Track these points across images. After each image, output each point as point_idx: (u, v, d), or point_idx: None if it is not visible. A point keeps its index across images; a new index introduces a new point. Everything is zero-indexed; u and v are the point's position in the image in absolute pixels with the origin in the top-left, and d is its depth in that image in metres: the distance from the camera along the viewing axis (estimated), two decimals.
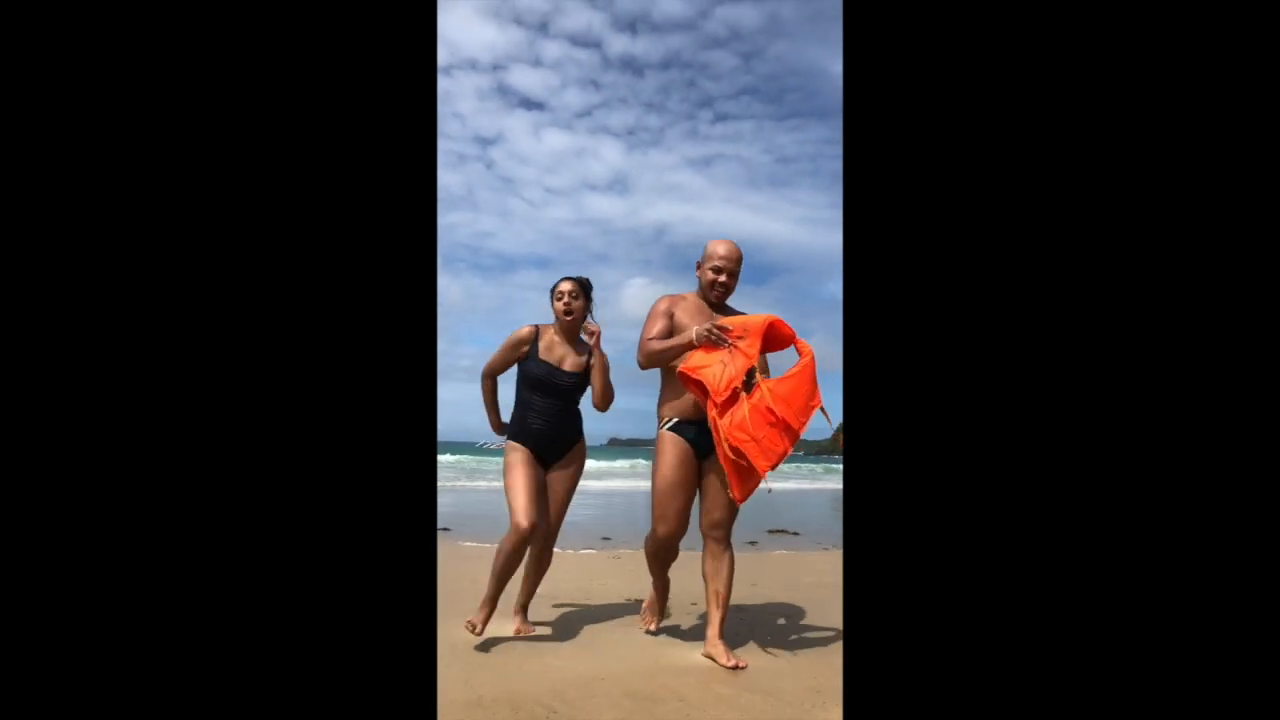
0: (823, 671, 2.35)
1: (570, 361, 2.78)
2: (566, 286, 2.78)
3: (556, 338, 2.80)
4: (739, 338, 2.41)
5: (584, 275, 2.86)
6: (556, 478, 2.83)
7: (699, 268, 2.69)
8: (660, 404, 2.67)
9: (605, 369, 2.76)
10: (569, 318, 2.77)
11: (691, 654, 2.54)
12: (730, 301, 2.73)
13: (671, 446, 2.57)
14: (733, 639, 2.62)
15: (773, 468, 2.37)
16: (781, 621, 3.06)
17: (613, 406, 2.80)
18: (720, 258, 2.63)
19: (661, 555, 2.69)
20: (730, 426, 2.36)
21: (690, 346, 2.46)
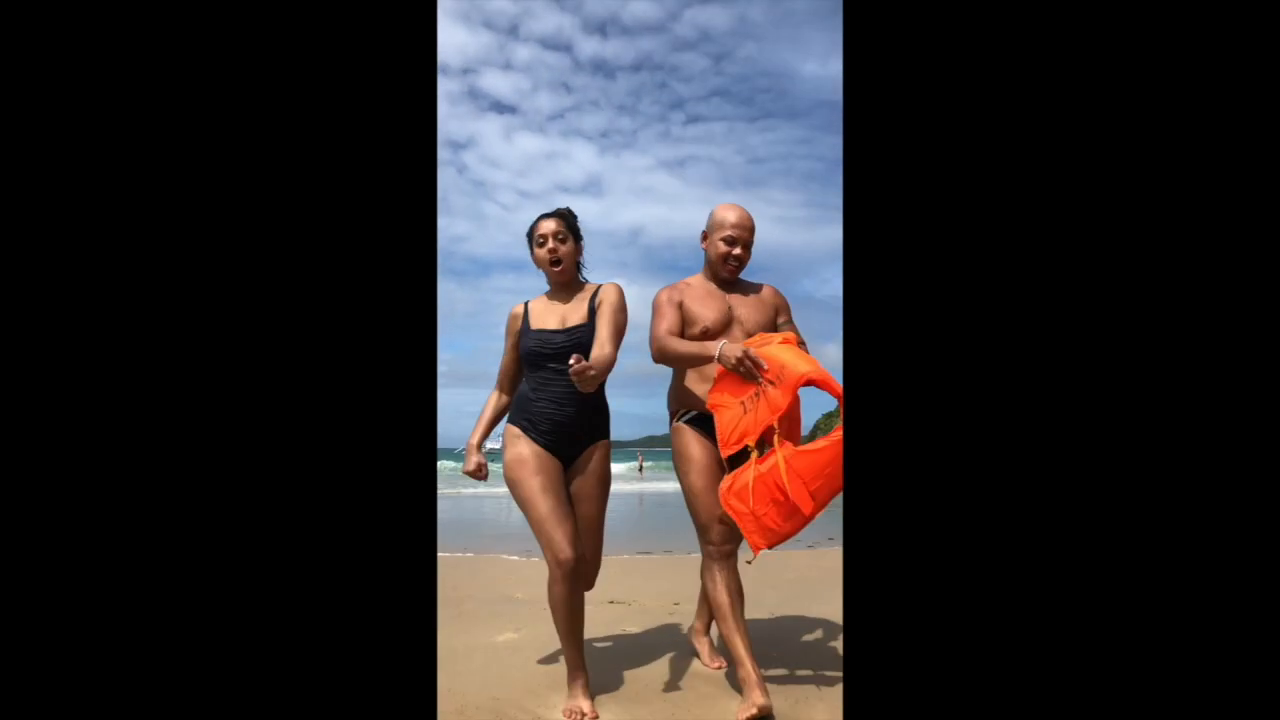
0: (806, 669, 2.37)
1: (573, 318, 2.13)
2: (549, 227, 2.13)
3: (550, 301, 2.20)
4: (771, 381, 1.95)
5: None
6: (581, 493, 2.14)
7: (705, 240, 2.28)
8: (672, 393, 2.32)
9: (616, 315, 2.08)
10: (558, 268, 2.14)
11: (676, 654, 2.55)
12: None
13: (695, 440, 2.22)
14: (716, 639, 2.63)
15: (769, 547, 1.95)
16: (763, 619, 3.08)
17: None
18: (732, 225, 2.21)
19: (725, 563, 2.12)
20: (728, 490, 1.99)
21: (709, 360, 2.08)
